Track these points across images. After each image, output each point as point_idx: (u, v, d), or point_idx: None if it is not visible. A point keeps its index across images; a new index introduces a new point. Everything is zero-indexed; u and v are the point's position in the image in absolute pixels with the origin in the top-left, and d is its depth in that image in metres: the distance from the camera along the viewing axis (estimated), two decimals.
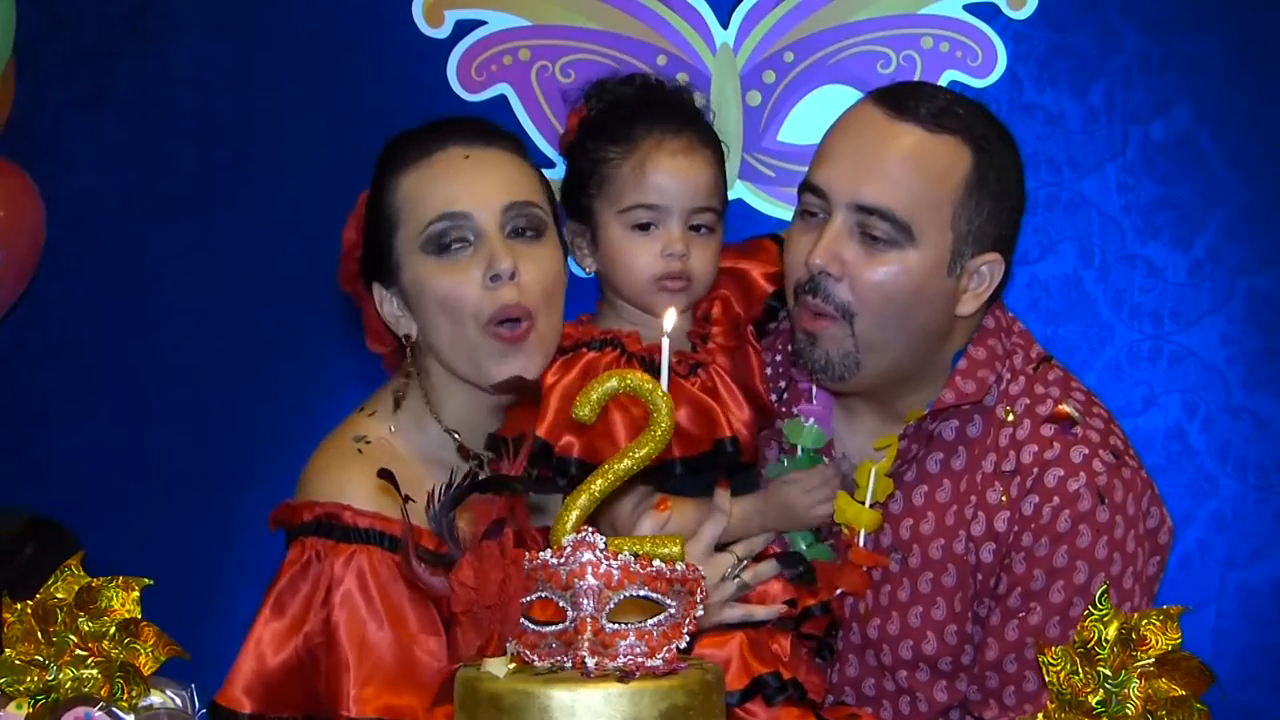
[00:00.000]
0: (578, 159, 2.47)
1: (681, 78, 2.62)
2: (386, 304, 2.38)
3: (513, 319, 2.30)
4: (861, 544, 2.44)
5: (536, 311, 2.31)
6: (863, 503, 2.43)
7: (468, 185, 2.32)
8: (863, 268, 2.32)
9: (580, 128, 2.49)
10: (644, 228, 2.42)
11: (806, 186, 2.39)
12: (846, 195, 2.33)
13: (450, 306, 2.30)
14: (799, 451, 2.49)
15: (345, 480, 2.26)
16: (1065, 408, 2.38)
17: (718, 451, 2.36)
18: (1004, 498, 2.36)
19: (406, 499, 1.85)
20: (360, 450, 2.30)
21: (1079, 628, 1.85)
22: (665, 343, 1.97)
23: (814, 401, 2.51)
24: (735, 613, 2.32)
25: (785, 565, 2.39)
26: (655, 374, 2.28)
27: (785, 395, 2.55)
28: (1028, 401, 2.40)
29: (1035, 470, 2.35)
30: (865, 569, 2.44)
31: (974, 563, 2.38)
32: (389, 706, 2.18)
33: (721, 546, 2.35)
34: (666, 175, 2.40)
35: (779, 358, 2.56)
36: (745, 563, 2.35)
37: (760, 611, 2.35)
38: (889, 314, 2.33)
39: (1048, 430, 2.37)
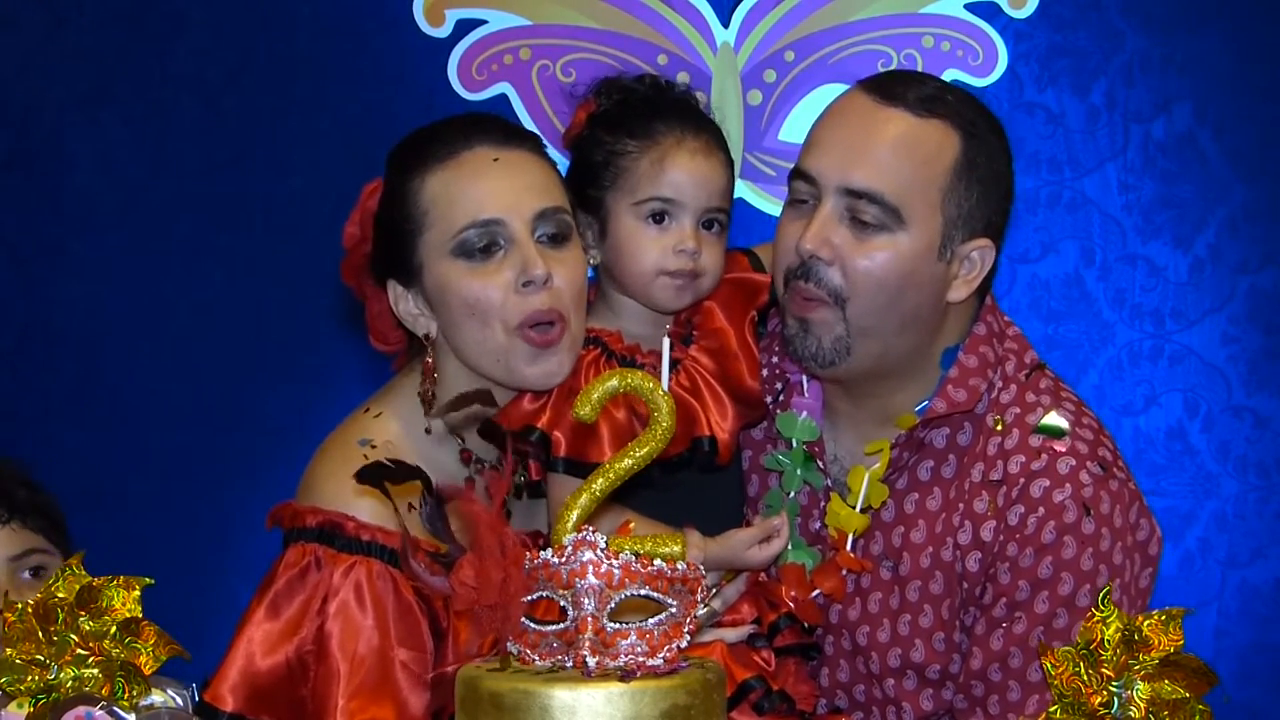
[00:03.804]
0: (589, 151, 2.46)
1: (683, 78, 2.62)
2: (403, 302, 2.36)
3: (546, 322, 2.30)
4: (849, 548, 2.44)
5: (568, 313, 2.32)
6: (853, 507, 2.42)
7: (499, 190, 2.31)
8: (853, 252, 2.32)
9: (591, 122, 2.48)
10: (658, 221, 2.42)
11: (796, 174, 2.40)
12: (836, 180, 2.33)
13: (479, 310, 2.29)
14: (792, 444, 2.49)
15: (351, 490, 2.23)
16: (1055, 418, 2.38)
17: (694, 449, 2.37)
18: (991, 507, 2.35)
19: (410, 506, 1.85)
20: (366, 456, 2.27)
21: (1083, 628, 1.85)
22: (665, 343, 1.97)
23: (805, 395, 2.51)
24: (706, 638, 2.32)
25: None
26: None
27: (781, 397, 2.55)
28: (1018, 410, 2.39)
29: (1022, 480, 2.34)
30: (846, 572, 2.44)
31: (960, 571, 2.37)
32: (374, 719, 2.18)
33: None
34: (685, 173, 2.41)
35: (775, 359, 2.56)
36: (714, 589, 2.34)
37: (730, 635, 2.35)
38: (880, 299, 2.33)
39: (1035, 440, 2.36)
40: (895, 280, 2.33)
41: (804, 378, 2.51)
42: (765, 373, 2.53)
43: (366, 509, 2.23)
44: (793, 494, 2.48)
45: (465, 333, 2.31)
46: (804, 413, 2.49)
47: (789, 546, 2.43)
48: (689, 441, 2.37)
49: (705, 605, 2.30)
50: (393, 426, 2.34)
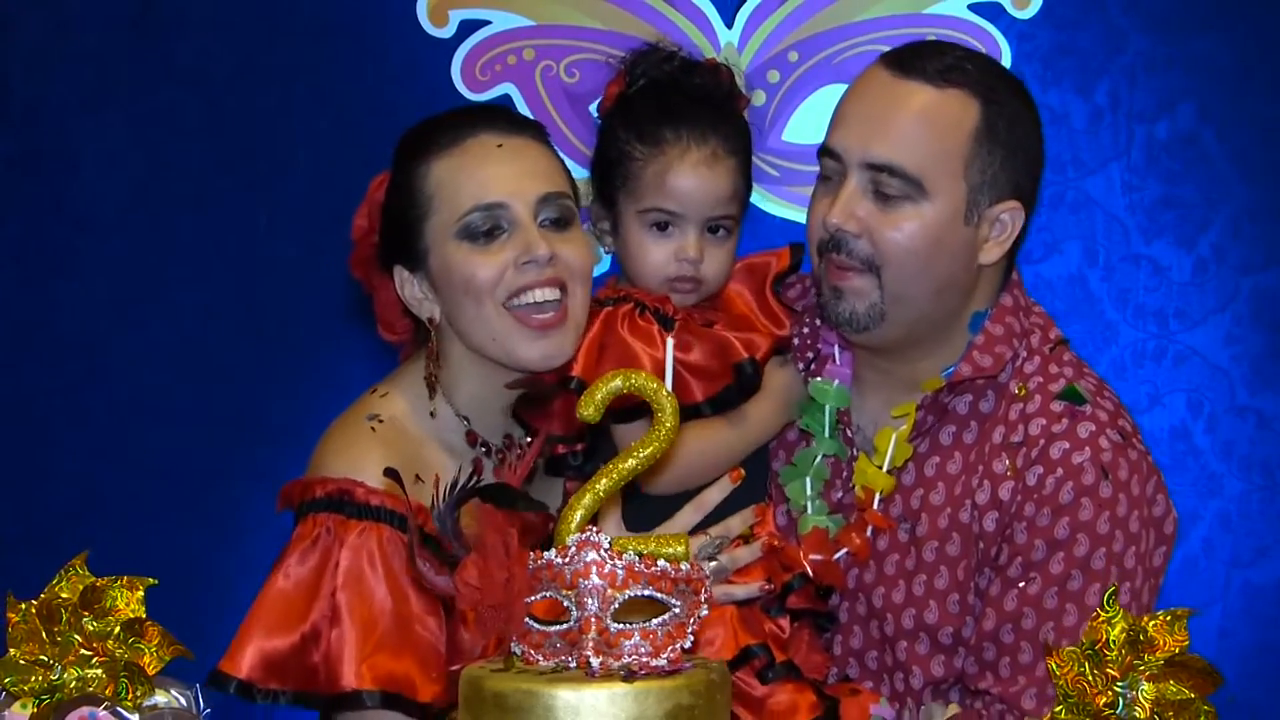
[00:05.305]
0: (606, 146, 2.51)
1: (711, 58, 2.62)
2: (408, 286, 2.41)
3: (539, 302, 2.33)
4: (876, 507, 2.47)
5: (571, 283, 2.35)
6: (880, 467, 2.47)
7: (503, 174, 2.35)
8: (880, 224, 2.38)
9: (616, 106, 2.52)
10: (661, 228, 2.46)
11: (823, 151, 2.45)
12: (858, 155, 2.39)
13: (473, 288, 2.33)
14: (825, 411, 2.53)
15: (358, 458, 2.29)
16: (1077, 386, 2.43)
17: (738, 375, 2.41)
18: (1010, 468, 2.40)
19: (426, 498, 1.86)
20: (373, 429, 2.34)
21: (1088, 628, 1.85)
22: (669, 343, 1.97)
23: (838, 362, 2.56)
24: (716, 593, 2.33)
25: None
26: (669, 324, 2.38)
27: (812, 367, 2.60)
28: (1041, 379, 2.45)
29: (1041, 442, 2.39)
30: (870, 531, 2.47)
31: (978, 531, 2.41)
32: (390, 675, 2.21)
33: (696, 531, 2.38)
34: (687, 185, 2.45)
35: (805, 329, 2.61)
36: (721, 544, 2.36)
37: (740, 591, 2.36)
38: (912, 266, 2.38)
39: (1057, 406, 2.41)
40: (925, 248, 2.38)
41: (835, 349, 2.56)
42: (796, 343, 2.59)
43: (374, 474, 2.25)
44: (821, 456, 2.52)
45: (464, 313, 2.35)
46: (836, 380, 2.55)
47: (809, 511, 2.48)
48: (731, 372, 2.41)
49: (713, 559, 2.33)
50: (399, 405, 2.38)
